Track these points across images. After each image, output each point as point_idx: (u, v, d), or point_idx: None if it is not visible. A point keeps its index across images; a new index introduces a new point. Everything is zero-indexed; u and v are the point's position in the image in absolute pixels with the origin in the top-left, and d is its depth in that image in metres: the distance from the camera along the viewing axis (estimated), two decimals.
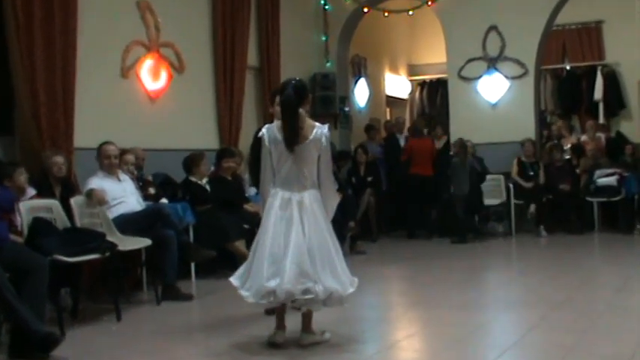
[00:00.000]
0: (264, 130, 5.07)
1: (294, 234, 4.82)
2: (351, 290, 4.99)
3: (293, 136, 4.90)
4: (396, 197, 12.30)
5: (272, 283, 4.75)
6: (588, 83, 14.72)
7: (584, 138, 12.66)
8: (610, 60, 14.72)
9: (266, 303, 4.87)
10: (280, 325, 5.00)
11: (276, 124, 5.04)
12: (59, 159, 6.85)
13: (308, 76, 12.17)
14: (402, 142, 12.63)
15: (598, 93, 14.42)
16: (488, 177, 11.44)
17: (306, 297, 4.76)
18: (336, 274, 4.92)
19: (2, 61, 7.11)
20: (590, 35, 15.17)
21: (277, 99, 5.21)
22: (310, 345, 4.91)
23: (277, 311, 5.02)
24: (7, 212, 5.60)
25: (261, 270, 4.81)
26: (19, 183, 6.26)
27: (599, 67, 14.60)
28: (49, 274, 5.21)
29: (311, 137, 4.94)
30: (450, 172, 11.08)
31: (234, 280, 5.05)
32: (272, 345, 4.93)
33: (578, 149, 12.07)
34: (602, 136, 12.60)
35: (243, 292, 4.91)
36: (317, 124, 5.02)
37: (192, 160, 8.32)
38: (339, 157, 11.57)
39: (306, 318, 4.99)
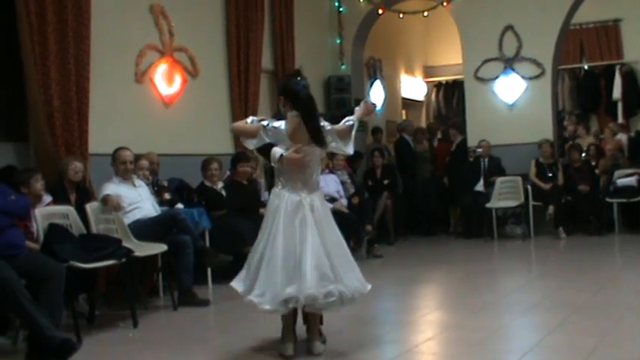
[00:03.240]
0: (275, 124, 4.90)
1: (311, 237, 4.70)
2: (369, 287, 4.96)
3: (321, 133, 4.80)
4: (412, 200, 12.28)
5: (290, 290, 4.61)
6: (607, 82, 14.61)
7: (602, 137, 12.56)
8: (628, 58, 14.60)
9: (283, 310, 4.70)
10: (289, 337, 4.86)
11: (285, 124, 4.89)
12: (78, 164, 6.90)
13: (323, 78, 12.17)
14: (412, 144, 12.58)
15: (617, 92, 14.30)
16: (506, 179, 11.36)
17: (329, 300, 4.66)
18: (355, 273, 4.88)
19: (16, 68, 7.11)
20: (608, 34, 15.07)
21: (282, 99, 5.00)
22: (323, 351, 4.84)
23: (285, 322, 4.87)
24: (23, 219, 5.60)
25: (274, 276, 4.66)
26: (34, 190, 6.28)
27: (618, 66, 14.48)
28: (66, 281, 5.20)
29: None
30: None
31: (235, 284, 4.92)
32: (283, 357, 4.82)
33: (598, 150, 11.96)
34: (623, 136, 12.47)
35: (255, 299, 4.73)
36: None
37: (202, 164, 8.31)
38: (354, 158, 11.56)
39: (313, 324, 4.90)
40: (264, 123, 4.90)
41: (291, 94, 4.91)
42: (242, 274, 4.94)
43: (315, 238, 4.73)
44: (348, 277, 4.78)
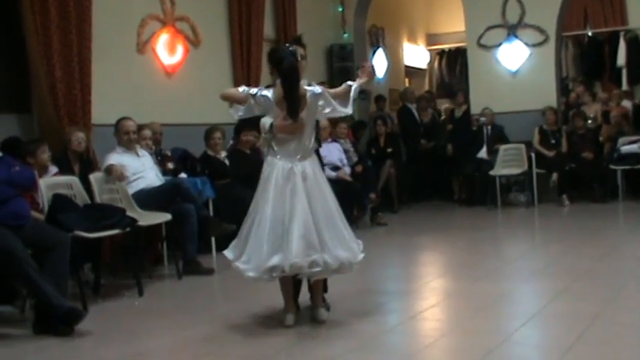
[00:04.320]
0: (264, 92, 4.84)
1: (299, 206, 4.66)
2: (361, 257, 4.91)
3: (297, 106, 4.74)
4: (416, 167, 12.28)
5: (274, 260, 4.60)
6: (611, 49, 14.47)
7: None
8: (633, 25, 14.44)
9: (268, 278, 4.69)
10: (289, 307, 4.87)
11: (273, 92, 4.83)
12: (80, 134, 6.90)
13: (325, 47, 12.11)
14: (414, 113, 12.52)
15: (621, 59, 14.17)
16: (510, 146, 11.34)
17: (313, 270, 4.64)
18: (344, 243, 4.83)
19: (18, 39, 7.09)
20: (612, 0, 14.92)
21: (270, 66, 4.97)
22: (327, 319, 4.85)
23: (284, 292, 4.87)
24: (28, 190, 5.61)
25: (260, 244, 4.65)
26: (41, 160, 6.30)
27: (622, 33, 14.32)
28: (71, 250, 5.22)
29: (308, 103, 4.80)
30: None
31: (227, 252, 4.89)
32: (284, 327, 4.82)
33: (606, 115, 11.91)
34: (628, 103, 12.40)
35: (241, 265, 4.73)
36: (307, 87, 4.85)
37: (205, 134, 8.31)
38: (357, 127, 11.55)
39: (316, 292, 4.91)
40: (253, 91, 4.86)
41: (275, 62, 4.85)
42: (234, 242, 4.93)
43: (305, 207, 4.68)
44: (335, 247, 4.74)
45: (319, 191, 4.82)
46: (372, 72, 5.12)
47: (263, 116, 4.89)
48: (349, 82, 4.95)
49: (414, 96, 13.06)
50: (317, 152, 5.07)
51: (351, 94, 4.90)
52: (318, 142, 5.15)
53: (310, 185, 4.76)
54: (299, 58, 4.85)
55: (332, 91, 4.99)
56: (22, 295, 5.56)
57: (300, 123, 4.78)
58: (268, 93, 4.83)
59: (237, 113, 4.95)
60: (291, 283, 4.86)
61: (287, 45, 4.98)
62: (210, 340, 4.66)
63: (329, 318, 4.88)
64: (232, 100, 4.93)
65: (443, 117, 13.28)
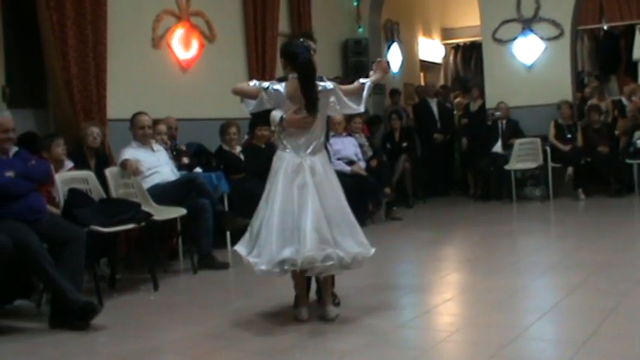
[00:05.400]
0: (276, 86, 4.82)
1: (311, 200, 4.64)
2: (373, 251, 4.88)
3: (316, 100, 4.73)
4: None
5: (286, 252, 4.58)
6: (627, 43, 14.40)
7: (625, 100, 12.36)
8: None
9: (279, 272, 4.66)
10: (302, 302, 4.87)
11: (285, 86, 4.81)
12: (95, 129, 6.92)
13: (340, 42, 12.10)
14: (433, 107, 12.49)
15: (637, 52, 14.07)
16: (525, 140, 11.31)
17: (327, 264, 4.60)
18: (357, 237, 4.81)
19: (33, 35, 7.13)
20: None
21: (283, 61, 4.95)
22: (337, 317, 4.81)
23: (297, 287, 4.87)
24: (45, 184, 5.64)
25: (270, 238, 4.63)
26: (56, 154, 6.35)
27: (638, 26, 14.24)
28: (86, 245, 5.25)
29: (321, 98, 4.78)
30: None
31: (239, 247, 4.88)
32: (298, 321, 4.82)
33: (622, 108, 11.82)
34: None
35: (252, 259, 4.71)
36: (319, 83, 4.82)
37: (221, 128, 8.32)
38: (372, 121, 11.54)
39: (326, 289, 4.88)
40: (265, 85, 4.84)
41: (290, 57, 4.82)
42: (245, 236, 4.91)
43: (315, 201, 4.65)
44: (347, 242, 4.73)
45: (330, 186, 4.80)
46: (387, 67, 5.10)
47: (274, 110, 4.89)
48: (362, 80, 4.94)
49: (434, 90, 13.05)
50: (324, 147, 5.05)
51: (365, 92, 4.89)
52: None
53: (320, 180, 4.74)
54: (313, 53, 4.85)
55: (344, 87, 4.96)
56: (38, 289, 5.60)
57: (312, 117, 4.78)
58: (280, 87, 4.81)
59: (248, 107, 4.93)
60: (304, 277, 4.85)
61: (301, 39, 4.95)
62: (225, 335, 4.67)
63: (342, 313, 4.87)
64: (244, 95, 4.91)
65: (455, 112, 13.25)
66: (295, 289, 4.92)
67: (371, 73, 5.04)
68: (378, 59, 5.24)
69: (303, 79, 4.73)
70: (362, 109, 5.01)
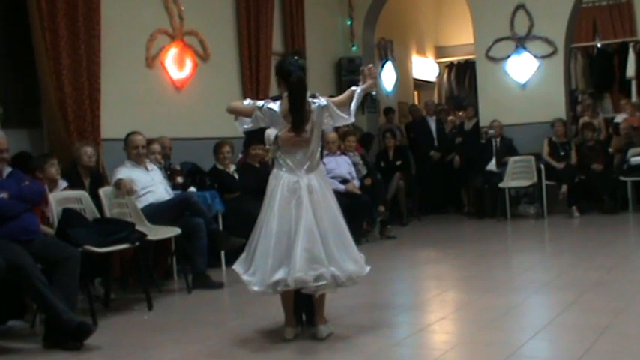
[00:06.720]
0: (271, 105, 4.81)
1: (304, 218, 4.62)
2: (367, 269, 4.87)
3: (303, 119, 4.73)
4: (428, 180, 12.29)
5: (279, 274, 4.57)
6: (620, 61, 14.46)
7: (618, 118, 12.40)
8: None
9: (272, 292, 4.67)
10: (288, 321, 4.84)
11: (280, 105, 4.80)
12: (89, 149, 6.92)
13: (334, 60, 12.15)
14: (432, 125, 12.53)
15: (630, 70, 14.14)
16: (519, 158, 11.34)
17: (319, 283, 4.58)
18: (352, 255, 4.81)
19: (27, 54, 7.15)
20: (621, 11, 14.97)
21: (277, 79, 4.94)
22: (328, 336, 4.78)
23: (284, 306, 4.84)
24: (39, 205, 5.64)
25: (266, 258, 4.62)
26: (50, 174, 6.34)
27: (631, 44, 14.31)
28: (80, 265, 5.24)
29: (314, 116, 4.79)
30: None
31: (236, 267, 4.87)
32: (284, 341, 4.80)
33: (616, 126, 11.85)
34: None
35: (246, 277, 4.72)
36: (312, 100, 4.83)
37: (215, 148, 8.34)
38: (366, 139, 11.57)
39: (320, 308, 4.84)
40: (259, 104, 4.84)
41: (283, 74, 4.81)
42: (242, 256, 4.90)
43: (310, 220, 4.63)
44: (343, 260, 4.71)
45: (326, 204, 4.78)
46: (375, 73, 5.11)
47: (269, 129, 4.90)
48: (353, 87, 4.95)
49: (433, 107, 13.09)
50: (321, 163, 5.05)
51: (354, 101, 4.88)
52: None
53: (317, 198, 4.73)
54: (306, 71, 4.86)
55: (336, 99, 4.97)
56: (32, 309, 5.59)
57: (306, 136, 4.78)
58: (275, 106, 4.81)
59: (243, 126, 4.93)
60: (292, 296, 4.81)
61: (295, 57, 4.95)
62: (220, 354, 4.66)
63: (336, 331, 4.86)
64: (238, 113, 4.92)
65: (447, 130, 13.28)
66: (283, 307, 4.90)
67: (360, 83, 5.04)
68: (366, 66, 5.21)
69: (293, 97, 4.72)
70: (352, 119, 4.99)
